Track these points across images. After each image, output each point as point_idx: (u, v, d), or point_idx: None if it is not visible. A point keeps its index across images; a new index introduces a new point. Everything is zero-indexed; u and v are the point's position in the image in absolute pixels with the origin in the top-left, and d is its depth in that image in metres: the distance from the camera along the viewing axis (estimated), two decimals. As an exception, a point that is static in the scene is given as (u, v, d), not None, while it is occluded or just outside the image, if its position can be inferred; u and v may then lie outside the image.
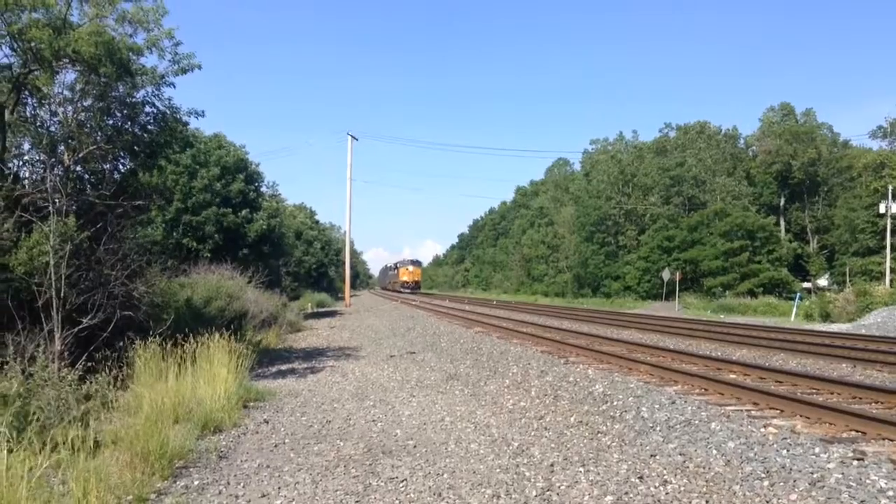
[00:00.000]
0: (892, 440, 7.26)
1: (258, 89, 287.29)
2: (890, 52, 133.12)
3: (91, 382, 8.76)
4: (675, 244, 60.89)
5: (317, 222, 73.90)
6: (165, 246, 25.31)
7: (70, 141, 11.42)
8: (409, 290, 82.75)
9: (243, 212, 28.45)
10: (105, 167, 12.67)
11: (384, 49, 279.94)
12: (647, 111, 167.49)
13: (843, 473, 6.03)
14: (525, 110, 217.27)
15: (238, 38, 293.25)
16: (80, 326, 10.28)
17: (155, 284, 13.88)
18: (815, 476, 6.02)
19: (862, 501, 5.42)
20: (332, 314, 39.35)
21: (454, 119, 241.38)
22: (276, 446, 8.11)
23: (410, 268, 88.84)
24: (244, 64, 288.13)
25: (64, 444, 6.02)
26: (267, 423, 9.43)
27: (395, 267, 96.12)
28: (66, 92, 11.56)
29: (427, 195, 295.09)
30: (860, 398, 9.73)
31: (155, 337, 10.42)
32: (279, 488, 6.45)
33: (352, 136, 50.96)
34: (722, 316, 39.81)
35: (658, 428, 8.25)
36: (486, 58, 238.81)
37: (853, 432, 7.70)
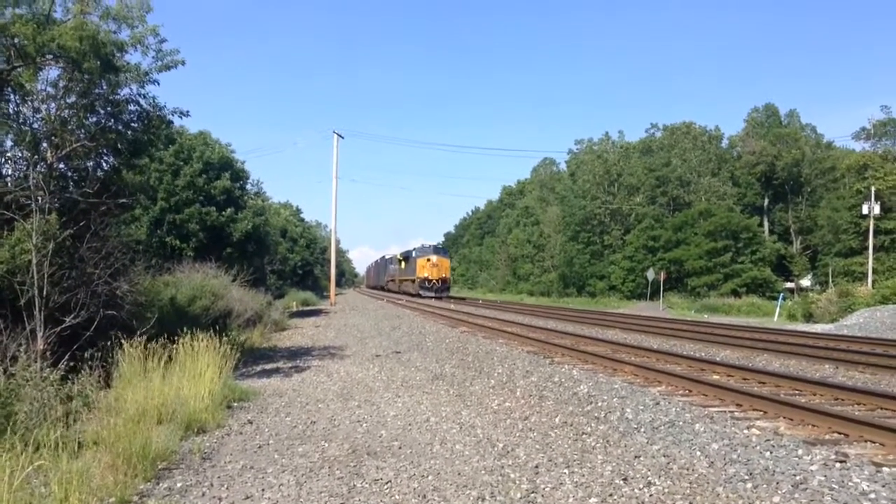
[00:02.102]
0: (874, 442, 7.31)
1: (244, 87, 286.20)
2: (873, 54, 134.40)
3: (74, 382, 8.69)
4: (659, 244, 61.24)
5: (302, 220, 73.83)
6: (149, 244, 25.17)
7: (53, 138, 11.31)
8: (431, 294, 54.45)
9: (228, 210, 28.30)
10: (88, 165, 12.57)
11: (371, 48, 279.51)
12: (633, 112, 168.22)
13: (825, 475, 6.07)
14: (512, 110, 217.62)
15: (226, 35, 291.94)
16: (63, 325, 10.18)
17: (139, 283, 13.79)
18: (797, 478, 6.06)
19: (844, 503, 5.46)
20: (317, 313, 39.24)
21: (441, 118, 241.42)
22: (260, 447, 8.07)
23: (434, 258, 56.64)
24: (231, 61, 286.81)
25: (46, 445, 5.97)
26: (251, 423, 9.38)
27: (405, 258, 63.71)
28: (49, 89, 11.45)
29: (414, 194, 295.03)
30: (843, 400, 9.80)
31: (138, 336, 10.34)
32: (263, 490, 6.42)
33: (337, 135, 50.86)
34: (706, 316, 40.05)
35: (642, 429, 8.28)
36: (472, 57, 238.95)
37: (836, 434, 7.76)
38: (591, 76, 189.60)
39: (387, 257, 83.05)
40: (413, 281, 58.00)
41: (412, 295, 57.19)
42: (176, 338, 10.71)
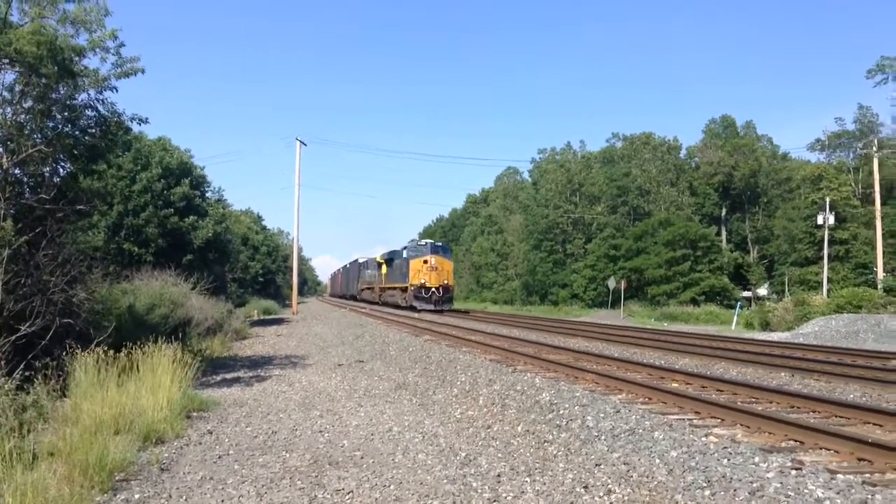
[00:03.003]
0: (829, 449, 7.46)
1: (208, 92, 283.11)
2: (827, 66, 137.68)
3: (29, 392, 8.52)
4: (620, 253, 61.88)
5: (264, 228, 73.24)
6: (107, 251, 24.74)
7: (9, 143, 11.10)
8: (430, 306, 42.03)
9: (189, 218, 27.97)
10: (45, 170, 12.34)
11: (334, 56, 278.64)
12: (595, 121, 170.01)
13: (781, 483, 6.18)
14: (476, 119, 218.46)
15: (188, 42, 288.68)
16: (19, 334, 9.98)
17: (96, 291, 13.56)
18: (754, 485, 6.16)
19: (799, 510, 5.56)
20: (278, 321, 38.95)
21: (406, 126, 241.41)
22: (219, 458, 7.98)
23: (432, 258, 43.58)
24: (192, 68, 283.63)
25: (0, 456, 5.85)
26: (211, 433, 9.27)
27: (390, 260, 51.47)
28: (5, 93, 11.24)
29: (378, 202, 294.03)
30: (798, 407, 9.99)
31: (96, 345, 10.16)
32: (223, 501, 6.35)
33: (300, 141, 50.71)
34: (665, 324, 40.56)
35: (603, 437, 8.35)
36: (437, 67, 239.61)
37: (792, 441, 7.90)
38: (553, 86, 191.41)
39: (360, 261, 69.74)
40: (404, 289, 45.16)
41: (401, 308, 44.92)
42: (134, 347, 10.55)
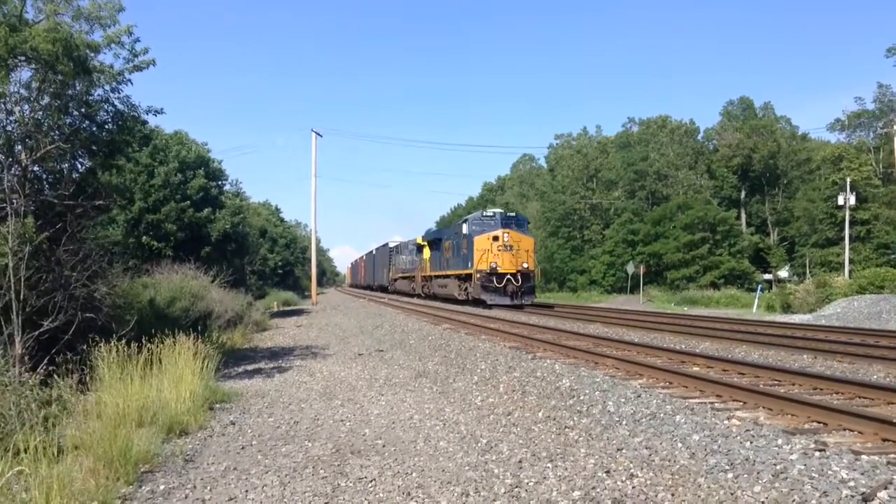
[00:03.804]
0: (852, 431, 7.41)
1: (223, 86, 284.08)
2: (846, 45, 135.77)
3: (53, 386, 8.61)
4: (639, 238, 61.61)
5: (282, 220, 73.55)
6: (127, 246, 24.97)
7: (27, 140, 11.18)
8: (506, 300, 32.17)
9: (205, 210, 28.13)
10: (63, 167, 12.42)
11: (350, 47, 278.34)
12: (611, 105, 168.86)
13: (805, 465, 6.14)
14: (491, 106, 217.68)
15: (205, 36, 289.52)
16: (41, 329, 10.08)
17: (117, 285, 13.68)
18: (778, 467, 6.12)
19: (824, 492, 5.52)
20: (298, 313, 39.12)
21: (423, 116, 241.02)
22: (242, 448, 8.04)
23: (506, 234, 32.73)
24: (209, 62, 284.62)
25: (26, 450, 5.91)
26: (233, 424, 9.34)
27: (437, 241, 41.54)
28: (22, 90, 11.31)
29: (395, 191, 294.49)
30: (821, 389, 9.92)
31: (118, 339, 10.25)
32: (247, 491, 6.39)
33: (316, 133, 50.76)
34: (685, 308, 40.37)
35: (624, 422, 8.33)
36: (451, 56, 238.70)
37: (815, 423, 7.85)
38: (569, 71, 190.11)
39: (391, 245, 60.23)
40: (463, 277, 34.88)
41: (458, 302, 35.66)
42: (156, 340, 10.63)
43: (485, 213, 35.43)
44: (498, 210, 36.99)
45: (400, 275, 55.07)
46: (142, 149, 24.17)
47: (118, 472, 6.56)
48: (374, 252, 74.68)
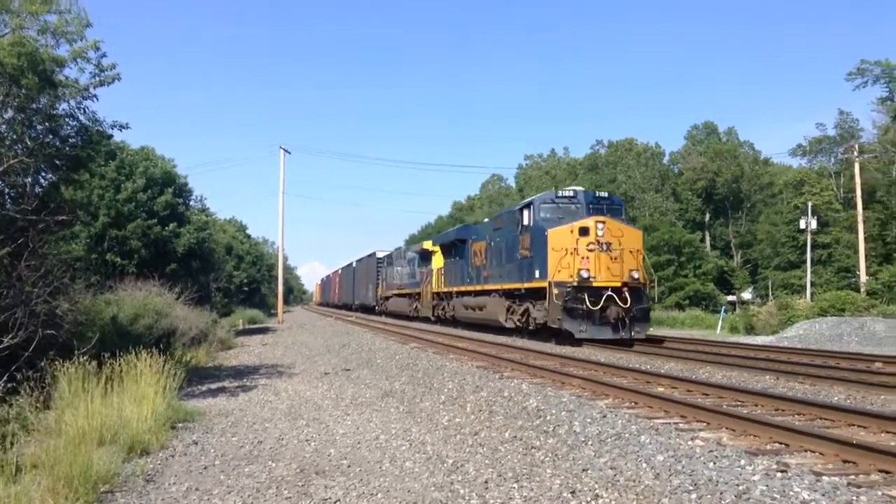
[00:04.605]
0: (814, 452, 7.51)
1: (190, 101, 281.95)
2: (808, 73, 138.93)
3: (12, 404, 8.43)
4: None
5: (248, 237, 72.97)
6: (89, 262, 24.60)
7: (-11, 154, 11.00)
8: (607, 335, 20.68)
9: (171, 225, 27.87)
10: (26, 181, 12.24)
11: (319, 64, 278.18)
12: (580, 127, 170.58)
13: (767, 485, 6.21)
14: (462, 127, 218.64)
15: (172, 51, 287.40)
16: (1, 346, 9.87)
17: (79, 302, 13.46)
18: (740, 488, 6.18)
19: (785, 511, 5.60)
20: (264, 331, 38.75)
21: (391, 135, 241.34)
22: (205, 468, 7.92)
23: (599, 225, 21.12)
24: (175, 76, 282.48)
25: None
26: (196, 444, 9.20)
27: (478, 237, 29.27)
28: (-15, 104, 11.15)
29: (364, 210, 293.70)
30: (783, 410, 10.04)
31: (79, 356, 10.08)
32: (209, 512, 6.29)
33: (284, 150, 50.55)
34: (650, 329, 40.67)
35: (590, 442, 8.37)
36: (422, 75, 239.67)
37: (777, 444, 7.95)
38: (539, 92, 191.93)
39: (379, 255, 51.64)
40: (519, 296, 24.34)
41: (508, 331, 25.36)
42: (118, 357, 10.46)
43: (560, 194, 22.87)
44: (579, 188, 24.23)
45: (394, 292, 44.53)
46: (108, 163, 23.94)
47: (78, 492, 6.42)
48: (353, 265, 63.78)
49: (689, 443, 7.97)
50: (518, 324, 24.56)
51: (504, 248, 25.82)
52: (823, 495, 5.93)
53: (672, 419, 9.57)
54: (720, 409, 9.73)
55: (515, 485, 6.83)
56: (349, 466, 7.84)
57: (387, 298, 48.50)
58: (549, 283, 21.25)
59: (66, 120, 12.38)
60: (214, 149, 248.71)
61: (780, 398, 10.69)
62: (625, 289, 20.96)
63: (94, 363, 9.95)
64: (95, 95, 12.44)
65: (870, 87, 25.81)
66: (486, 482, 6.97)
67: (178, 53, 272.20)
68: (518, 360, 16.64)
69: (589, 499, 6.31)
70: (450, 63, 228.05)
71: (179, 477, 7.52)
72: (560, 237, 21.47)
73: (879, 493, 6.02)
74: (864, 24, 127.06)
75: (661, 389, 12.11)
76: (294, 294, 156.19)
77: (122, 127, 13.31)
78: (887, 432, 8.40)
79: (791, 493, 6.01)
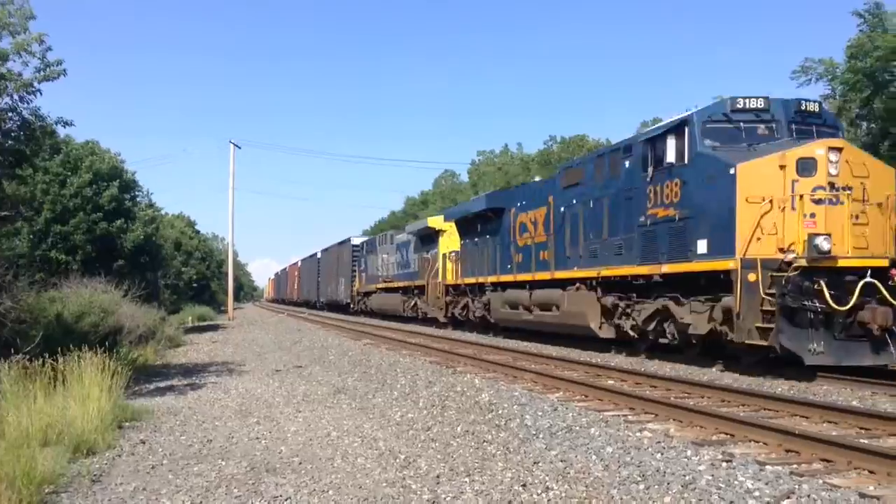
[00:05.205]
0: (757, 442, 7.70)
1: (137, 97, 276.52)
2: (757, 68, 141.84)
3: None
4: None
5: (197, 232, 71.78)
6: (32, 258, 24.02)
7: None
8: (864, 359, 11.61)
9: (118, 221, 27.34)
10: (-34, 176, 11.91)
11: (271, 59, 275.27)
12: (532, 124, 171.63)
13: (712, 475, 6.36)
14: (414, 122, 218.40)
15: (119, 45, 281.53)
16: (-61, 345, 9.59)
17: (22, 300, 13.14)
18: (687, 478, 6.32)
19: (731, 502, 5.73)
20: (214, 328, 38.24)
21: (344, 130, 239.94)
22: (153, 468, 7.79)
23: (832, 153, 11.56)
24: (124, 71, 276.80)
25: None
26: (144, 443, 9.05)
27: (525, 200, 20.97)
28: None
29: (317, 205, 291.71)
30: (729, 401, 10.27)
31: (22, 355, 9.83)
32: (157, 512, 6.21)
33: (234, 144, 49.90)
34: None
35: (541, 435, 8.46)
36: (372, 69, 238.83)
37: (722, 435, 8.14)
38: (491, 88, 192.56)
39: (355, 242, 45.50)
40: (682, 289, 13.94)
41: (602, 341, 17.44)
42: (63, 356, 10.23)
43: (740, 105, 13.54)
44: (770, 96, 13.70)
45: (380, 285, 37.11)
46: (52, 157, 23.39)
47: (21, 494, 6.26)
48: (318, 256, 56.27)
49: (638, 434, 8.11)
50: (633, 333, 16.03)
51: (602, 210, 16.75)
52: (766, 484, 6.08)
53: (621, 411, 9.73)
54: (668, 400, 9.92)
55: (467, 479, 6.87)
56: (300, 464, 7.79)
57: (367, 294, 40.70)
58: (741, 260, 12.00)
59: (9, 114, 12.06)
60: (163, 144, 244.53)
61: (725, 389, 10.93)
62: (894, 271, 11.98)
63: (38, 362, 9.72)
64: (39, 90, 12.15)
65: (813, 85, 26.55)
66: (438, 477, 7.00)
67: (125, 48, 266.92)
68: (471, 354, 16.75)
69: (539, 491, 6.38)
70: (403, 59, 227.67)
71: (126, 477, 7.39)
72: (758, 177, 12.32)
73: (820, 481, 6.20)
74: (811, 20, 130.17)
75: (610, 382, 12.29)
76: (245, 290, 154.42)
77: (66, 123, 13.04)
78: (829, 422, 8.66)
79: (735, 482, 6.16)
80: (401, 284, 34.13)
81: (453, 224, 27.86)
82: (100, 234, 26.40)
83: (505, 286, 22.47)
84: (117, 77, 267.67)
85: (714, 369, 13.88)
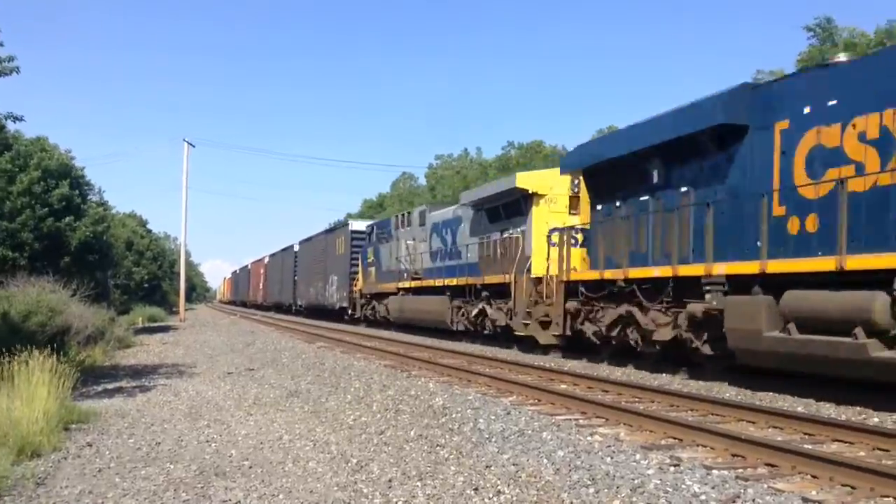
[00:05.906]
0: (704, 446, 7.86)
1: (88, 93, 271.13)
2: (715, 67, 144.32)
3: None
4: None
5: (149, 232, 70.56)
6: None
7: None
8: None
9: (66, 218, 26.78)
10: None
11: (228, 58, 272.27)
12: (491, 128, 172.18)
13: (661, 479, 6.47)
14: (372, 124, 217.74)
15: (75, 40, 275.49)
16: None
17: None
18: (636, 482, 6.42)
19: (677, 504, 5.84)
20: (165, 329, 37.61)
21: (300, 131, 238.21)
22: (100, 471, 7.64)
23: None
24: (75, 67, 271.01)
25: None
26: (90, 445, 8.88)
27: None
28: None
29: (271, 206, 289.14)
30: (678, 406, 10.45)
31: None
32: (103, 516, 6.09)
33: (188, 143, 49.24)
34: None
35: (494, 439, 8.51)
36: (329, 70, 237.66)
37: (671, 439, 8.28)
38: (450, 92, 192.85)
39: (358, 228, 38.02)
40: None
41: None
42: (9, 356, 9.99)
43: None
44: None
45: (404, 283, 28.17)
46: (1, 153, 22.86)
47: (-41, 499, 6.11)
48: (294, 249, 47.69)
49: (589, 438, 8.21)
50: None
51: None
52: (713, 488, 6.21)
53: (573, 415, 9.84)
54: (619, 405, 10.06)
55: (419, 483, 6.88)
56: (251, 467, 7.72)
57: (378, 296, 31.64)
58: None
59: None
60: (116, 142, 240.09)
61: (674, 394, 11.12)
62: None
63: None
64: (-11, 86, 11.87)
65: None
66: (390, 481, 6.99)
67: (77, 43, 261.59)
68: (426, 358, 16.76)
69: (491, 495, 6.41)
70: (360, 61, 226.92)
71: (72, 480, 7.25)
72: None
73: (765, 485, 6.35)
74: (764, 28, 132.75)
75: (563, 387, 12.41)
76: (197, 291, 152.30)
77: (16, 118, 12.74)
78: (774, 427, 8.87)
79: (683, 486, 6.28)
80: (446, 283, 24.19)
81: (571, 178, 19.10)
82: (47, 231, 25.84)
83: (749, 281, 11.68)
84: (67, 72, 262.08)
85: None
